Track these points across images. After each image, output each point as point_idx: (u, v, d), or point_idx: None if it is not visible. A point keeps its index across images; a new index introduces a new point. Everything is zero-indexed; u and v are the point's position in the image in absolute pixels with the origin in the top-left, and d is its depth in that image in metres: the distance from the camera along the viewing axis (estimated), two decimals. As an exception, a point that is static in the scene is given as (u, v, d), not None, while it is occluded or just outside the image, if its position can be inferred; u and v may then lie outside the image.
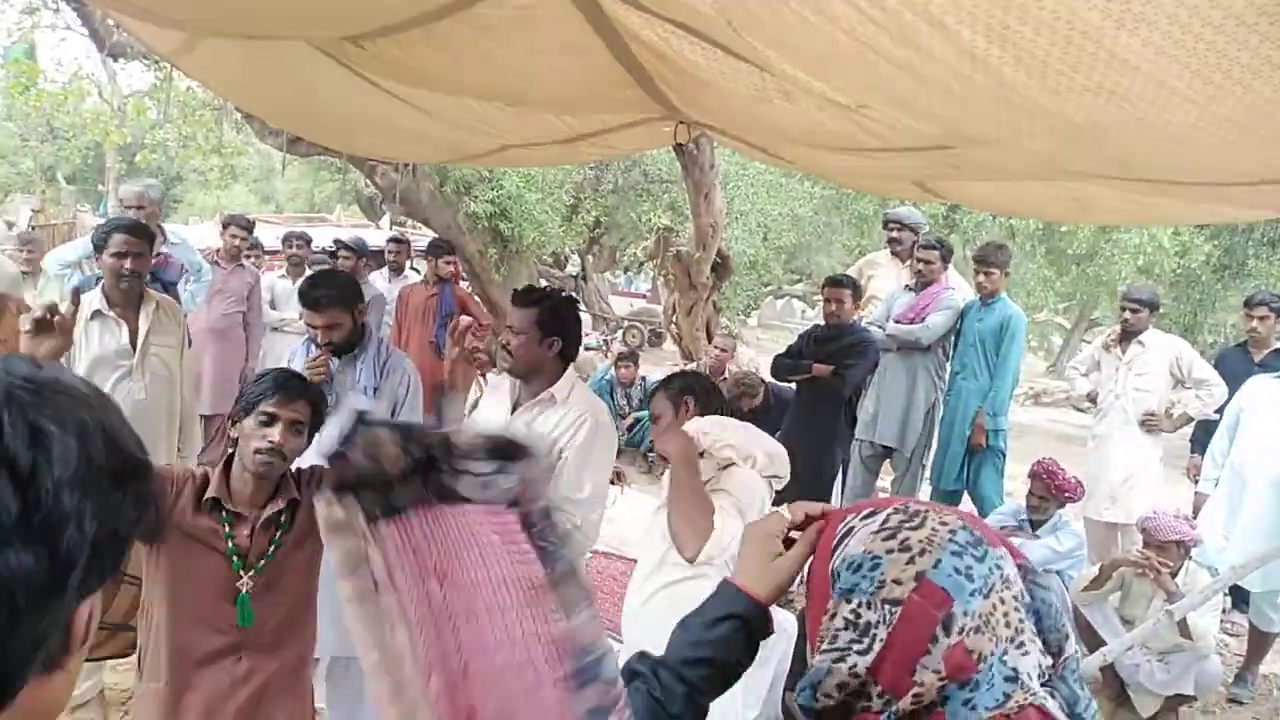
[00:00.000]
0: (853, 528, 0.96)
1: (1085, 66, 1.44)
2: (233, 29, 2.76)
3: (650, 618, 2.64)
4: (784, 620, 3.88)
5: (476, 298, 9.61)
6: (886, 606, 0.87)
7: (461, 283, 10.11)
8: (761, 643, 1.14)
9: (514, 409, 2.98)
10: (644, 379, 7.88)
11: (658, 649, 1.14)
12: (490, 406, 3.18)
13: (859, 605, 0.89)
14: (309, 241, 7.34)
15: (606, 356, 10.42)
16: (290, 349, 3.75)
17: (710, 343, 8.46)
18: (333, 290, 3.31)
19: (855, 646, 0.88)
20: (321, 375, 3.22)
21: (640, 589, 2.78)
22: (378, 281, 7.33)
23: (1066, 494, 4.61)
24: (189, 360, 3.87)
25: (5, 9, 10.77)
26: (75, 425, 0.64)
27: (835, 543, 0.96)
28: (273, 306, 7.11)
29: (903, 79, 1.70)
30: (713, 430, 2.72)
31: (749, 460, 2.71)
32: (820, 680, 0.89)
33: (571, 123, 3.73)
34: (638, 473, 7.15)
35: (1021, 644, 0.88)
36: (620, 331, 16.26)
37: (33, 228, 14.00)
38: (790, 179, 9.24)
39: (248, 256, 6.78)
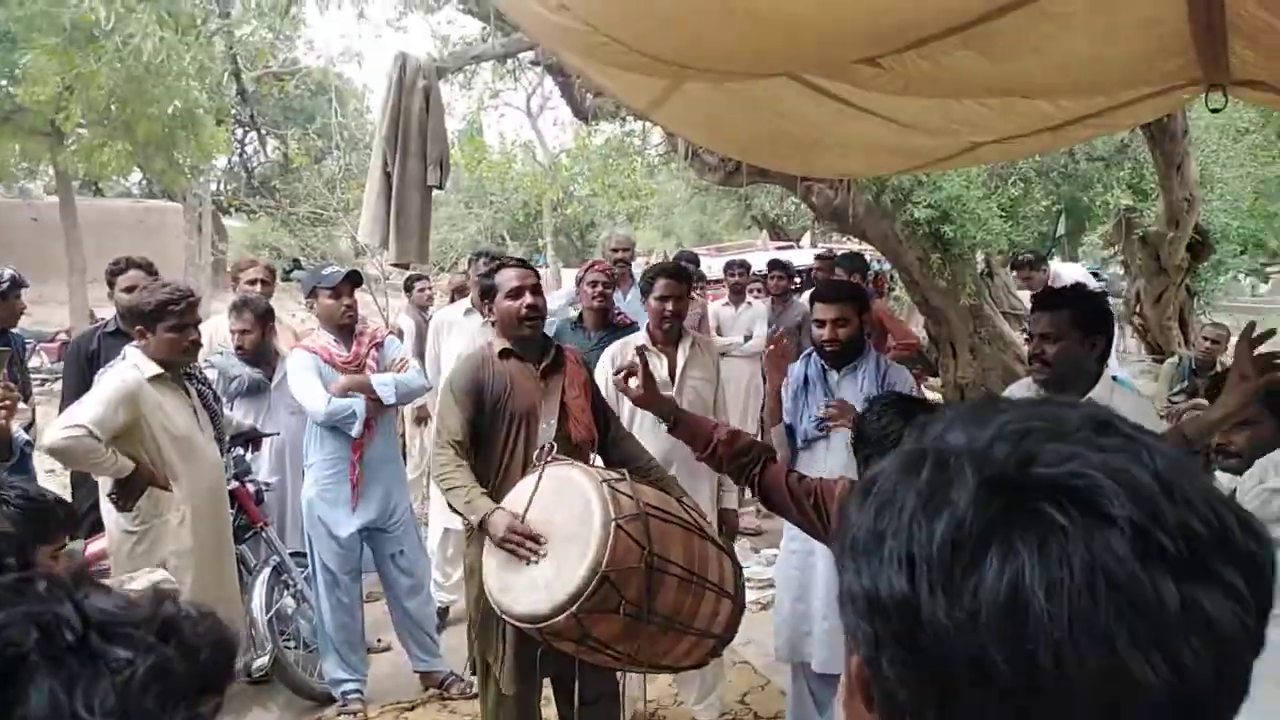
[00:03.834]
0: None
1: None
2: (754, 68, 2.84)
3: None
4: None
5: (906, 310, 9.38)
6: None
7: (892, 295, 9.96)
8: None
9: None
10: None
11: None
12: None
13: None
14: (748, 268, 7.59)
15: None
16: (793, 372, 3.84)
17: (1181, 331, 7.49)
18: (846, 289, 3.59)
19: None
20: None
21: None
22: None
23: None
24: (723, 392, 4.12)
25: (462, 96, 12.51)
26: None
27: None
28: (719, 333, 7.43)
29: None
30: None
31: None
32: None
33: (1068, 106, 3.45)
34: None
35: None
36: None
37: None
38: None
39: (696, 288, 7.16)
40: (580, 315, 4.97)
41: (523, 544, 2.59)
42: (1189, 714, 0.51)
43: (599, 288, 4.59)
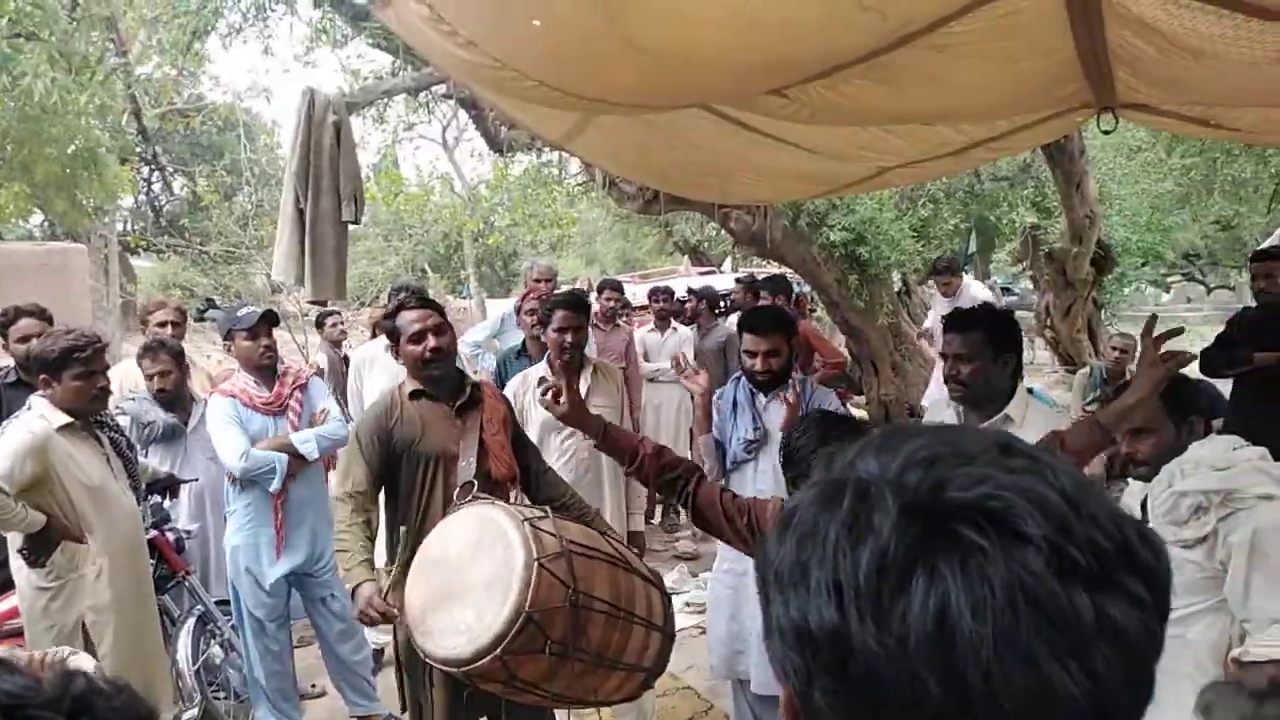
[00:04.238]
0: None
1: None
2: (664, 100, 2.89)
3: None
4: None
5: (828, 330, 9.56)
6: None
7: (813, 316, 10.14)
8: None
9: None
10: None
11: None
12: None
13: None
14: (672, 294, 7.66)
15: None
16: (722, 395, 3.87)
17: (1090, 342, 7.80)
18: (776, 319, 3.49)
19: None
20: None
21: None
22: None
23: None
24: (626, 418, 4.14)
25: (375, 130, 12.38)
26: None
27: None
28: (646, 359, 7.46)
29: None
30: (1236, 464, 2.37)
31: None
32: None
33: (970, 130, 3.59)
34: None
35: None
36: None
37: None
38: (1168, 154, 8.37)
39: (620, 316, 7.18)
40: (523, 344, 4.98)
41: (375, 623, 2.89)
42: (1105, 719, 0.53)
43: (538, 315, 4.59)
